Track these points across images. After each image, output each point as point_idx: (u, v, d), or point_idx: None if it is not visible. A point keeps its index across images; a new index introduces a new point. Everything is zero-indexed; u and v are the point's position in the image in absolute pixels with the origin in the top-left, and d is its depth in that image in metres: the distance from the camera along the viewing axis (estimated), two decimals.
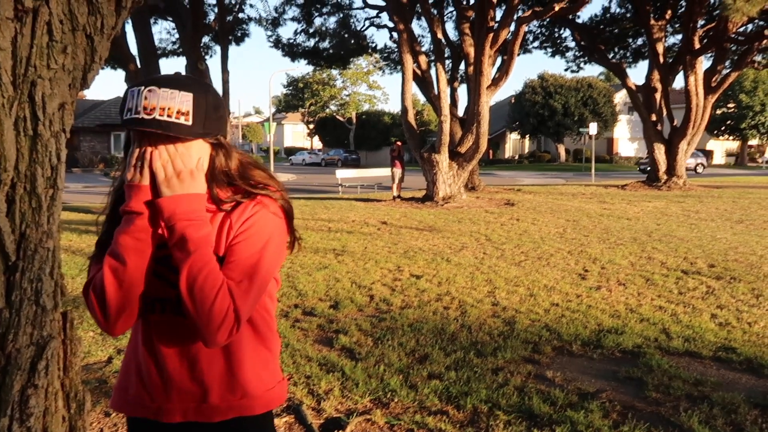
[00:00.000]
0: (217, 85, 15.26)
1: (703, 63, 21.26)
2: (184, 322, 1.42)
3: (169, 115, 1.32)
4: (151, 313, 1.46)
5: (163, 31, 62.65)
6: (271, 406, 1.53)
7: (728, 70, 22.06)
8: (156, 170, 1.35)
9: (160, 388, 1.46)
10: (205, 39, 19.73)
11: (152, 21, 15.94)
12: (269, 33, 33.17)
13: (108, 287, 1.33)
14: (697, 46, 20.34)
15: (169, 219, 1.34)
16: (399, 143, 19.09)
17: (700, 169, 38.10)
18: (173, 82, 1.36)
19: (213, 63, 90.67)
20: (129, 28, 14.78)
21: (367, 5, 20.45)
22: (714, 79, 21.45)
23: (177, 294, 1.41)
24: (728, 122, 49.22)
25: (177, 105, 1.33)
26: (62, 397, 1.20)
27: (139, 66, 14.20)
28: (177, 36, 19.10)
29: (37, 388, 1.10)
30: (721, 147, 57.71)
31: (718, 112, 46.92)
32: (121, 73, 31.11)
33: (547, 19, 21.16)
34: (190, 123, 1.35)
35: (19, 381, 1.07)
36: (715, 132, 50.13)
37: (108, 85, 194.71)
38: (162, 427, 1.48)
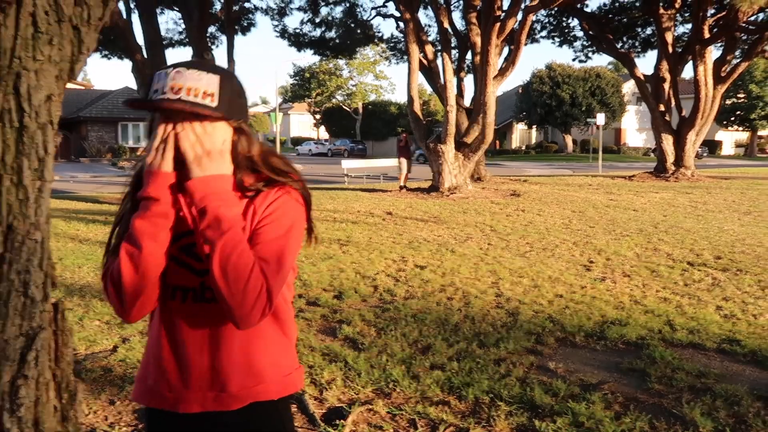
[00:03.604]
0: None
1: (713, 53, 21.06)
2: (205, 309, 1.43)
3: (195, 95, 1.33)
4: (172, 301, 1.46)
5: (169, 21, 62.63)
6: (287, 391, 1.54)
7: (738, 60, 21.86)
8: (185, 150, 1.35)
9: (178, 378, 1.46)
10: (212, 29, 19.65)
11: (159, 11, 15.89)
12: (275, 23, 33.05)
13: (124, 272, 1.33)
14: (707, 35, 20.13)
15: (202, 200, 1.33)
16: (406, 134, 19.05)
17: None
18: (200, 65, 1.37)
19: (219, 53, 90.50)
20: (135, 18, 14.71)
21: None
22: (724, 68, 21.24)
23: (201, 282, 1.42)
24: (738, 113, 48.82)
25: (204, 86, 1.34)
26: (54, 388, 1.21)
27: (145, 56, 14.18)
28: (183, 26, 19.07)
29: (28, 378, 1.10)
30: (731, 138, 57.27)
31: (728, 102, 46.49)
32: (127, 64, 31.09)
33: (555, 8, 20.97)
34: (215, 104, 1.35)
35: (9, 372, 1.08)
36: (725, 122, 49.72)
37: (115, 75, 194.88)
38: (179, 417, 1.48)
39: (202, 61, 1.43)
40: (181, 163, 1.36)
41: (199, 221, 1.34)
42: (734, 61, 21.77)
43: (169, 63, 1.42)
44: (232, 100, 1.39)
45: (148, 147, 1.38)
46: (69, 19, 1.13)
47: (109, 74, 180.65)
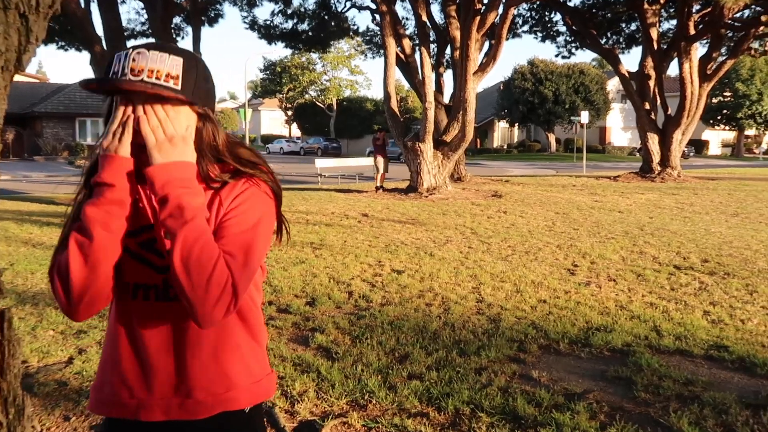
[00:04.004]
0: None
1: (699, 50, 21.19)
2: (170, 308, 1.36)
3: (158, 78, 1.27)
4: (133, 301, 1.38)
5: (131, 11, 61.66)
6: (259, 399, 1.47)
7: (724, 57, 21.90)
8: (145, 135, 1.27)
9: (141, 382, 1.38)
10: (176, 20, 19.13)
11: (120, 0, 15.44)
12: (244, 14, 32.55)
13: (72, 264, 1.25)
14: (692, 31, 20.19)
15: (163, 187, 1.26)
16: (382, 132, 18.68)
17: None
18: (162, 46, 1.32)
19: (185, 45, 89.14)
20: (95, 8, 14.09)
21: None
22: (709, 66, 21.29)
23: (163, 279, 1.35)
24: (724, 111, 48.89)
25: (167, 68, 1.29)
26: None
27: (105, 48, 13.71)
28: (146, 16, 18.53)
29: None
30: (717, 137, 57.76)
31: (714, 100, 46.74)
32: (85, 55, 30.53)
33: (537, 2, 20.94)
34: (179, 87, 1.29)
35: None
36: (711, 121, 49.88)
37: (73, 68, 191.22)
38: (142, 426, 1.40)
39: (164, 43, 1.36)
40: (140, 148, 1.28)
41: (160, 210, 1.26)
42: (720, 59, 21.83)
43: None
44: (198, 85, 1.33)
45: (105, 131, 1.30)
46: (15, 6, 1.07)
47: (66, 67, 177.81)
